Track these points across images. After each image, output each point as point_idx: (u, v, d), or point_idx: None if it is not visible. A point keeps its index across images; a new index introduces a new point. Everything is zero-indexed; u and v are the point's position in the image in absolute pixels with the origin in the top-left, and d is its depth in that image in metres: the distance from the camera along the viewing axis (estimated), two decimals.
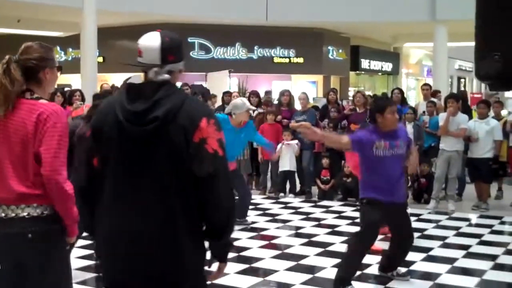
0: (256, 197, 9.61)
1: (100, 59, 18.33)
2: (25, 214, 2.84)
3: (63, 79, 19.07)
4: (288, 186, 10.05)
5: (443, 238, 7.10)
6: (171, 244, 2.42)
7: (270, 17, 17.41)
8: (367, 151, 5.05)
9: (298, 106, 10.68)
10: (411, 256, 6.27)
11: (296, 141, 9.58)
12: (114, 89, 11.84)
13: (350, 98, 15.19)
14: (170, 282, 2.46)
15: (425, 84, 10.70)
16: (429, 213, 8.59)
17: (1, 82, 2.85)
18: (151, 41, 2.51)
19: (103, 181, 2.50)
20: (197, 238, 2.49)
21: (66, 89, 11.77)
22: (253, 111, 8.86)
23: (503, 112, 10.26)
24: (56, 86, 15.75)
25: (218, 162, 2.42)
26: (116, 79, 16.91)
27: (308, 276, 5.58)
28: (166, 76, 2.50)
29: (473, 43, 2.76)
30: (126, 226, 2.44)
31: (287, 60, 20.15)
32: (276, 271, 5.74)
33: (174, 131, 2.39)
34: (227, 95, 11.55)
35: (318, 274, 5.67)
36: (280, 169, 9.84)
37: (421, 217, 8.25)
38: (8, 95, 2.85)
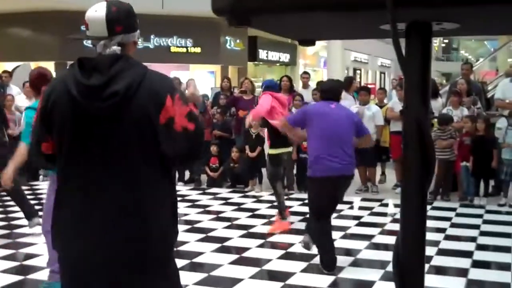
0: None
1: None
2: None
3: None
4: (177, 174, 9.95)
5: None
6: (139, 229, 2.27)
7: (166, 5, 17.18)
8: None
9: None
10: (290, 238, 6.41)
11: None
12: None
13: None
14: (135, 268, 2.31)
15: (304, 73, 11.11)
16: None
17: None
18: (96, 12, 2.32)
19: (59, 163, 2.35)
20: (165, 223, 2.36)
21: None
22: None
23: (386, 100, 10.57)
24: None
25: (190, 139, 2.29)
26: (6, 67, 16.15)
27: (186, 262, 5.54)
28: (115, 48, 2.32)
29: None
30: (85, 209, 2.28)
31: (184, 50, 19.99)
32: None
33: (135, 108, 2.21)
34: None
35: (196, 260, 5.65)
36: None
37: (305, 201, 8.40)
38: None
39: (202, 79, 19.80)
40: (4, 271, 5.31)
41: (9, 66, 16.08)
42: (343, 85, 5.89)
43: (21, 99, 9.99)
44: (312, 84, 12.27)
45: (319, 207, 5.28)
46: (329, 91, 5.59)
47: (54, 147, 2.36)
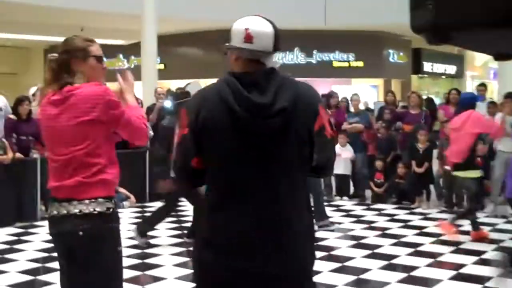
0: None
1: (161, 66, 18.66)
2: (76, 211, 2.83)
3: None
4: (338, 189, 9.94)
5: (499, 241, 6.86)
6: (299, 244, 2.31)
7: (329, 21, 17.29)
8: None
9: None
10: (462, 259, 6.12)
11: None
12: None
13: None
14: (293, 281, 2.35)
15: (481, 85, 10.58)
16: (487, 216, 8.30)
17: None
18: (263, 26, 2.33)
19: (213, 178, 2.35)
20: (313, 236, 2.47)
21: None
22: None
23: None
24: None
25: (333, 146, 2.47)
26: (177, 86, 17.18)
27: (352, 278, 5.49)
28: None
29: None
30: (243, 223, 2.26)
31: (346, 64, 19.94)
32: (319, 272, 5.67)
33: (297, 121, 2.26)
34: None
35: (363, 276, 5.58)
36: (334, 172, 9.73)
37: (478, 220, 7.98)
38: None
39: (364, 93, 19.62)
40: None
41: (181, 83, 17.05)
42: None
43: None
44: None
45: None
46: None
47: (203, 162, 2.33)
